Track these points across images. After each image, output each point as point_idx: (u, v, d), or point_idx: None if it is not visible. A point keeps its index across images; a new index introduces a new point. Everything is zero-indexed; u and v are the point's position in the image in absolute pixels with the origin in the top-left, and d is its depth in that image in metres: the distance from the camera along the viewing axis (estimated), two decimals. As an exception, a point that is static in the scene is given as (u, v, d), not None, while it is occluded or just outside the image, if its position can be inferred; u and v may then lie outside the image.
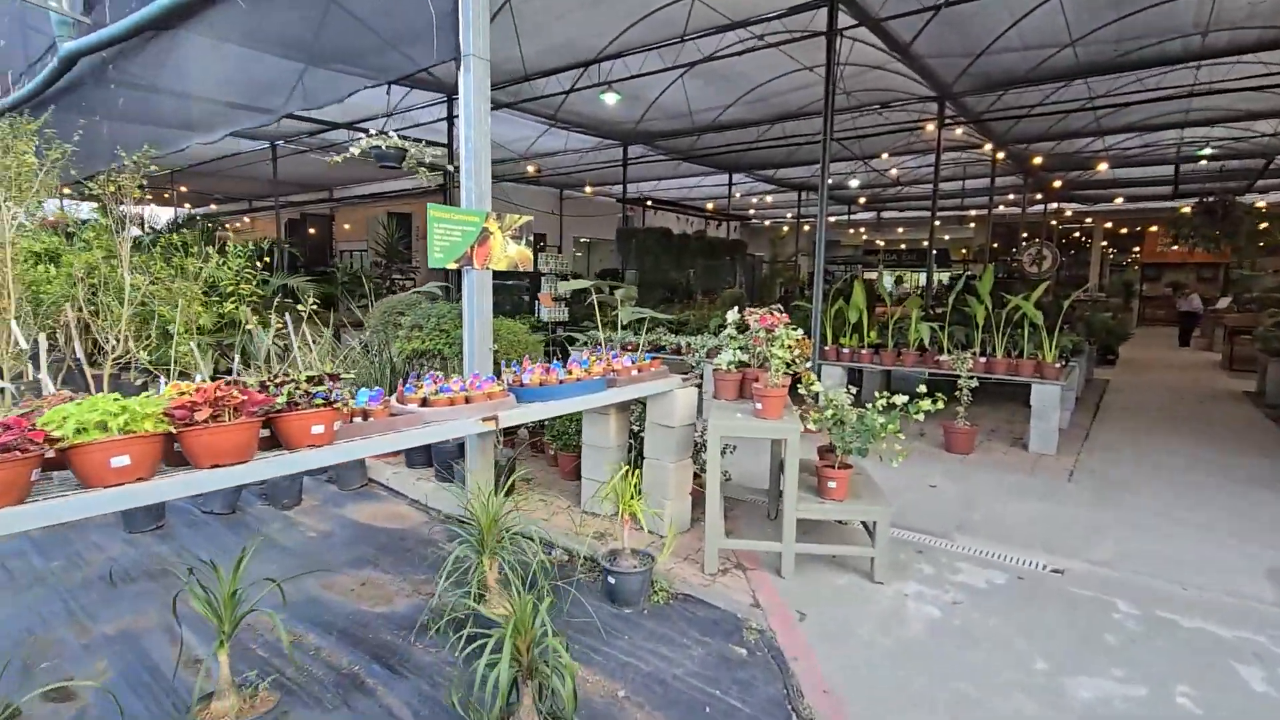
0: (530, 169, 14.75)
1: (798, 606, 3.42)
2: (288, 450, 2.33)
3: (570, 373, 3.73)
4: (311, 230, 18.56)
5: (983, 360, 6.69)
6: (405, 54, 4.73)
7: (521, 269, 4.43)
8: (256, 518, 4.45)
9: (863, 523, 3.97)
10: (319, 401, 2.34)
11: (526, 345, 4.54)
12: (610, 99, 9.88)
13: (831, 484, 3.67)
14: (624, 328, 5.31)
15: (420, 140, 5.53)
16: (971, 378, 6.35)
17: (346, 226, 19.55)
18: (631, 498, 3.36)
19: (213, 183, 18.15)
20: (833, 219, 24.96)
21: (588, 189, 17.65)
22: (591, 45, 9.31)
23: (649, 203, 15.40)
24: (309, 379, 2.37)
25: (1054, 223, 21.79)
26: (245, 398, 2.20)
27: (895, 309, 7.92)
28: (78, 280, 5.31)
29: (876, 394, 3.79)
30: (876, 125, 12.44)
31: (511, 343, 4.47)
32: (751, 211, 25.24)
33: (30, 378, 4.92)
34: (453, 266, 4.00)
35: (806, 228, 24.29)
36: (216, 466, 2.13)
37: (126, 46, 7.13)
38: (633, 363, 4.11)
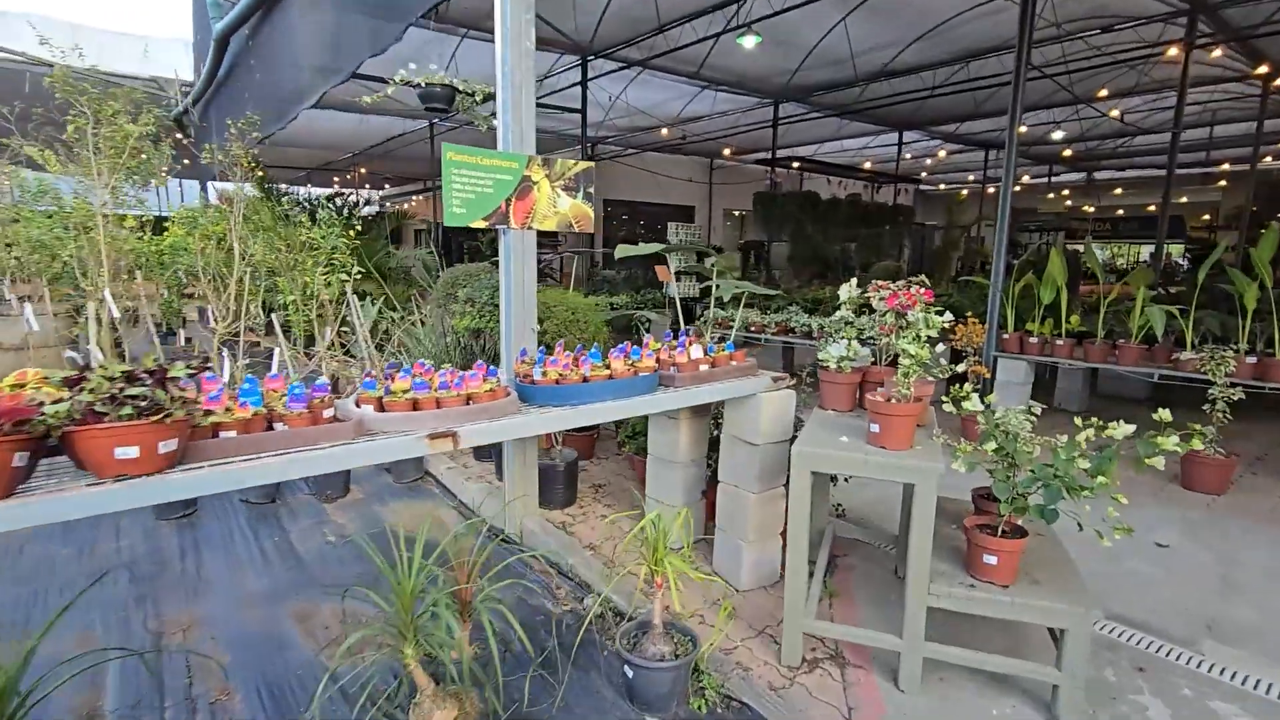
0: (664, 132, 13.65)
1: (921, 748, 2.15)
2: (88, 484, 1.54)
3: (608, 366, 2.69)
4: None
5: (1251, 360, 4.61)
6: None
7: (579, 229, 3.44)
8: (291, 512, 3.95)
9: (1043, 612, 2.54)
10: (128, 412, 1.53)
11: (589, 326, 3.57)
12: (749, 42, 8.48)
13: (990, 558, 2.30)
14: (722, 304, 4.19)
15: (480, 87, 4.69)
16: (1233, 385, 4.37)
17: (501, 202, 19.86)
18: (665, 550, 2.25)
19: (387, 164, 19.18)
20: (1027, 179, 21.19)
21: (726, 152, 16.19)
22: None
23: (794, 165, 13.68)
24: (126, 375, 1.57)
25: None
26: None
27: (1109, 288, 5.88)
28: (197, 251, 5.24)
29: (1078, 421, 2.32)
30: (1092, 57, 9.78)
31: (567, 321, 3.51)
32: (924, 175, 22.16)
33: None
34: (480, 224, 3.10)
35: (992, 190, 20.90)
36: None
37: (255, 20, 7.08)
38: (706, 354, 2.97)
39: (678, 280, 9.36)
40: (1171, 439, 2.12)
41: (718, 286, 3.91)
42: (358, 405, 2.18)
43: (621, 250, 3.53)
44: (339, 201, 14.17)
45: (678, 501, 3.37)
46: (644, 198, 18.35)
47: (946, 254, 15.25)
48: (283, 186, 13.16)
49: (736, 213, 21.38)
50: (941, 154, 17.40)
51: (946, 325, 2.56)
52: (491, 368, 2.52)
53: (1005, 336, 5.82)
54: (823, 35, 9.71)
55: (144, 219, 5.97)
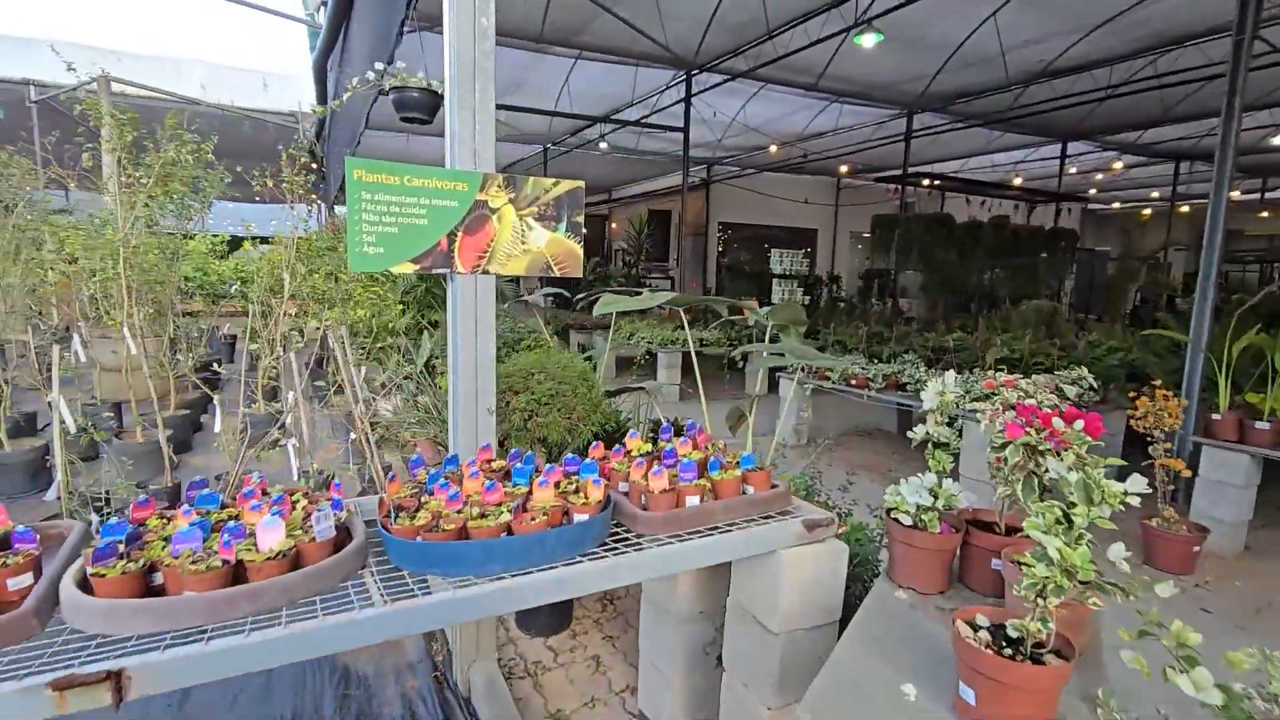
0: (771, 149, 12.35)
1: None
2: None
3: (526, 509, 1.67)
4: (585, 232, 18.78)
5: None
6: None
7: (561, 271, 2.47)
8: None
9: None
10: None
11: (581, 401, 2.53)
12: (869, 40, 7.14)
13: None
14: (776, 365, 3.02)
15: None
16: None
17: (614, 226, 19.40)
18: None
19: (510, 189, 19.37)
20: (1236, 194, 17.45)
21: (843, 169, 14.46)
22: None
23: (925, 183, 11.81)
24: None
25: None
26: None
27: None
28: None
29: None
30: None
31: (549, 395, 2.47)
32: (1092, 192, 18.93)
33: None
34: (405, 269, 2.22)
35: (1185, 208, 17.40)
36: None
37: (337, 48, 6.87)
38: (690, 479, 1.86)
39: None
40: None
41: (755, 355, 2.78)
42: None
43: (604, 304, 2.49)
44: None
45: (676, 671, 2.26)
46: (761, 220, 17.07)
47: (1121, 287, 12.58)
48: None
49: (866, 235, 19.46)
50: (1117, 166, 14.61)
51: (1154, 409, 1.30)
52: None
53: (1216, 417, 4.07)
54: (969, 32, 8.11)
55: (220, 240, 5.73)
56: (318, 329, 4.21)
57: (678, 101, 10.18)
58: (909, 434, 1.79)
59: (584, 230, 2.54)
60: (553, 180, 2.44)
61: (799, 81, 10.09)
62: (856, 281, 13.44)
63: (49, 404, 4.13)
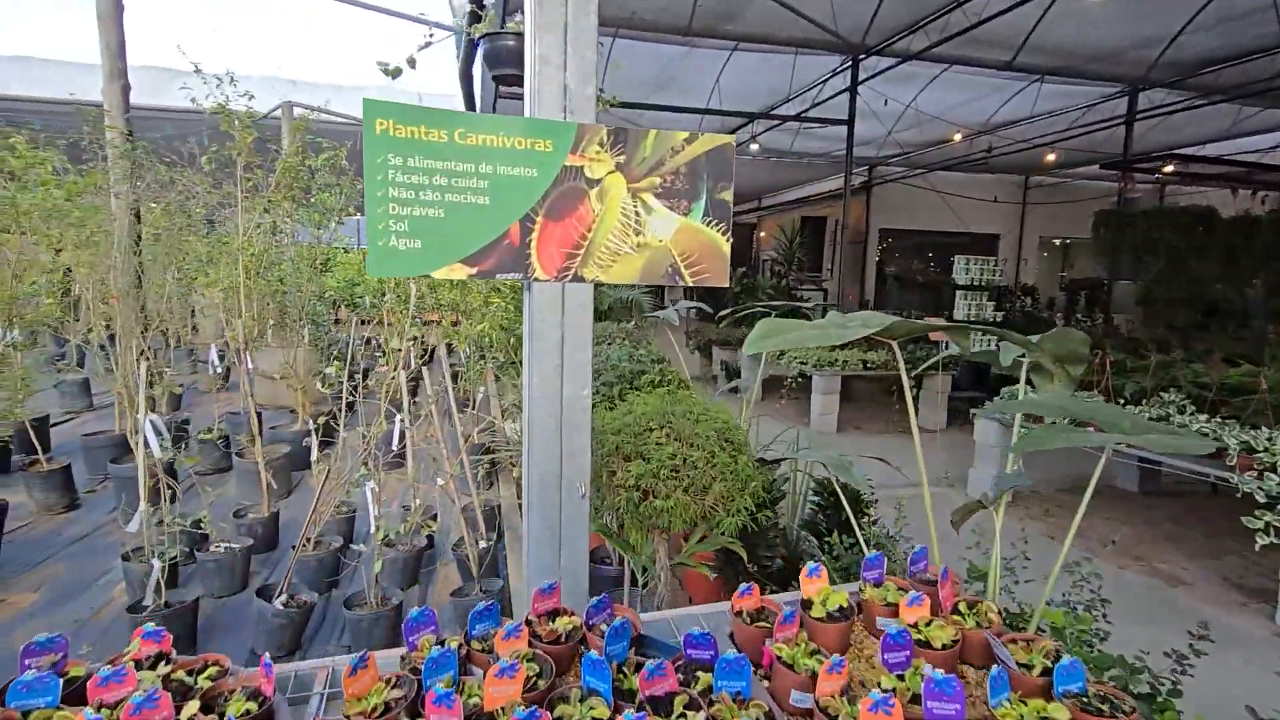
0: (956, 138, 10.54)
1: None
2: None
3: None
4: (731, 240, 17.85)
5: None
6: None
7: (693, 280, 1.56)
8: None
9: None
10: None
11: (723, 473, 1.57)
12: (1102, -11, 5.52)
13: None
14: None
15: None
16: None
17: (762, 235, 18.18)
18: None
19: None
20: None
21: (1051, 157, 12.11)
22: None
23: (1166, 169, 9.38)
24: None
25: None
26: None
27: None
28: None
29: None
30: None
31: (672, 464, 1.55)
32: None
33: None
34: (452, 274, 1.42)
35: None
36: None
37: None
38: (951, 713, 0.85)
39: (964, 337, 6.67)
40: None
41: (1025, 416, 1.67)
42: None
43: (763, 336, 1.50)
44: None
45: None
46: (930, 225, 15.06)
47: None
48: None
49: (1056, 241, 16.59)
50: None
51: None
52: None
53: None
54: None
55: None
56: (434, 344, 3.66)
57: (841, 91, 8.93)
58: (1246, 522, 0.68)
59: (732, 215, 1.60)
60: (685, 135, 1.53)
61: (989, 59, 8.44)
62: (1052, 292, 11.22)
63: (140, 432, 3.81)
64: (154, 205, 5.57)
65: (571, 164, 1.44)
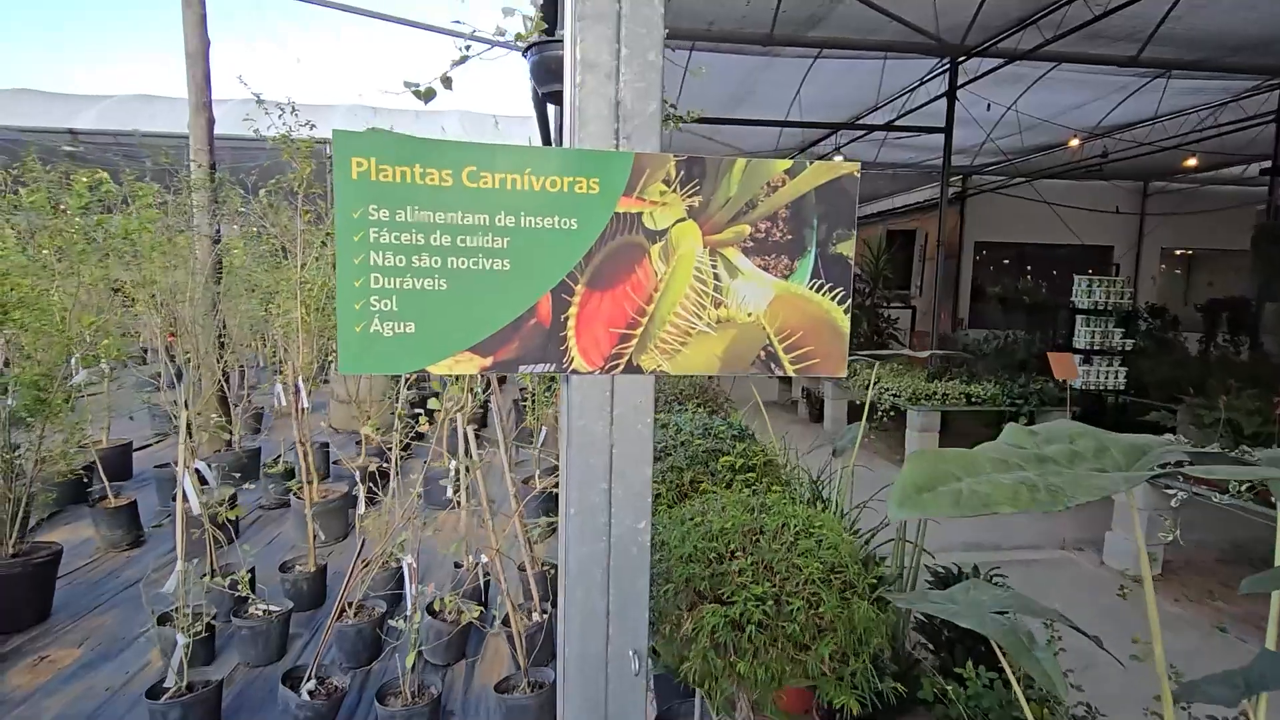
0: (1074, 142, 9.45)
1: None
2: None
3: None
4: (858, 274, 17.04)
5: None
6: None
7: (798, 367, 1.11)
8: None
9: None
10: None
11: (840, 618, 1.14)
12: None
13: None
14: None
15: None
16: None
17: (844, 249, 17.24)
18: None
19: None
20: None
21: (1191, 161, 10.70)
22: None
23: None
24: None
25: None
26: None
27: None
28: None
29: None
30: None
31: (761, 609, 1.12)
32: None
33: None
34: (459, 368, 1.02)
35: None
36: None
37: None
38: None
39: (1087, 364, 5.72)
40: None
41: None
42: None
43: (910, 501, 1.01)
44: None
45: None
46: (1031, 237, 13.75)
47: None
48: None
49: (1178, 252, 14.82)
50: None
51: None
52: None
53: None
54: None
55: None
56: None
57: (937, 97, 8.16)
58: None
59: (856, 271, 1.12)
60: (786, 164, 1.07)
61: (1109, 55, 7.46)
62: (1177, 310, 9.88)
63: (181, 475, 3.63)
64: (236, 234, 5.62)
65: (626, 210, 1.01)
